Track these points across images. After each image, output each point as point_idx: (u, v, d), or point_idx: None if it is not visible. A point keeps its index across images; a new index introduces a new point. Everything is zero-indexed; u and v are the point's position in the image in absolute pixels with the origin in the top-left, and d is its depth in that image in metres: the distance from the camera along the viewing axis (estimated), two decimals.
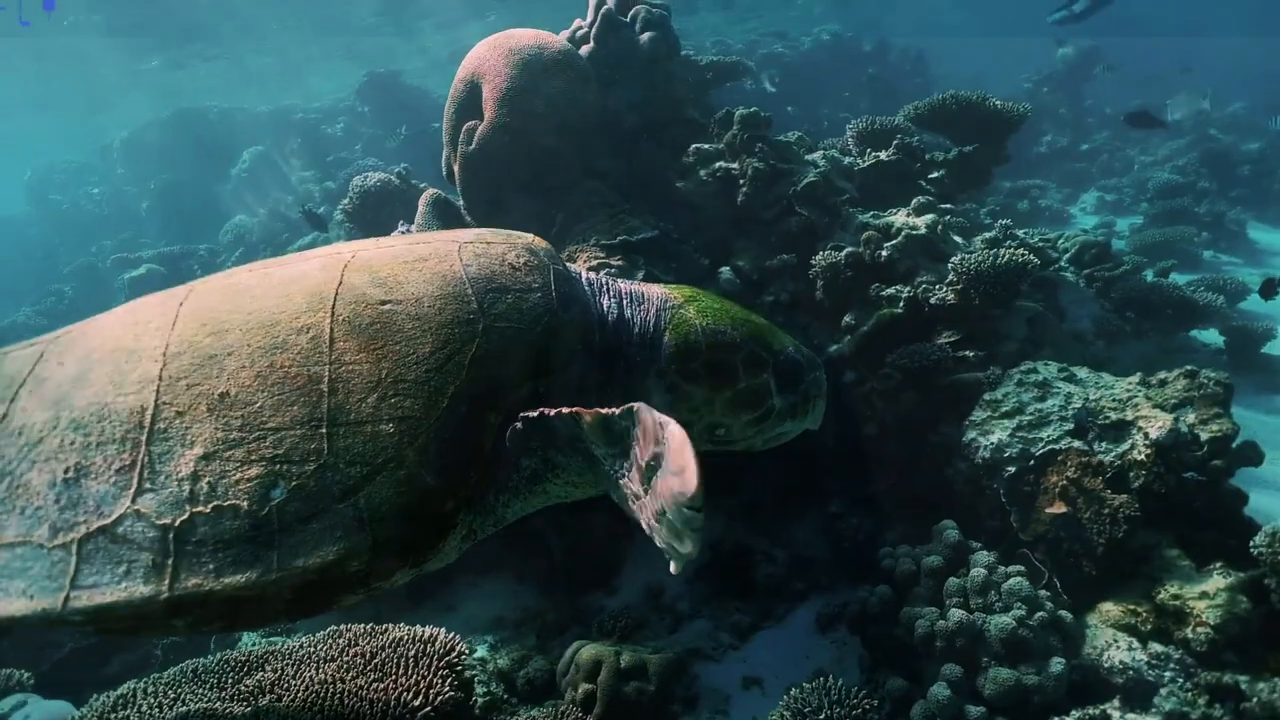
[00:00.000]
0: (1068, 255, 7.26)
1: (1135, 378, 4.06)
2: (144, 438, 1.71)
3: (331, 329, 1.84)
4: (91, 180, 17.50)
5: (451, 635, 3.25)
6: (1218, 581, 3.38)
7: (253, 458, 1.69)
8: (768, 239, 5.69)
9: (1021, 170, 14.53)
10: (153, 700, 3.04)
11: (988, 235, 5.20)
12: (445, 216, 4.26)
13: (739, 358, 2.18)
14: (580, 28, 4.93)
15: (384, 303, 1.90)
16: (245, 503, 1.66)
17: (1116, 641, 3.36)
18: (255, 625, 1.87)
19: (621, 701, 3.66)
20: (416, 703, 2.76)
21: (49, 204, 17.22)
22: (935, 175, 6.42)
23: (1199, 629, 3.27)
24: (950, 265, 4.80)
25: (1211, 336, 7.17)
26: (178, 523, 1.65)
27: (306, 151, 13.92)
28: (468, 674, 4.27)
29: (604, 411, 1.71)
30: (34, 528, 1.68)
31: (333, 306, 1.88)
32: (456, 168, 4.54)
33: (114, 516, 1.66)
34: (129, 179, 16.31)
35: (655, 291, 2.33)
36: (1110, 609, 3.56)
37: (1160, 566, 3.54)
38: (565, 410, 1.77)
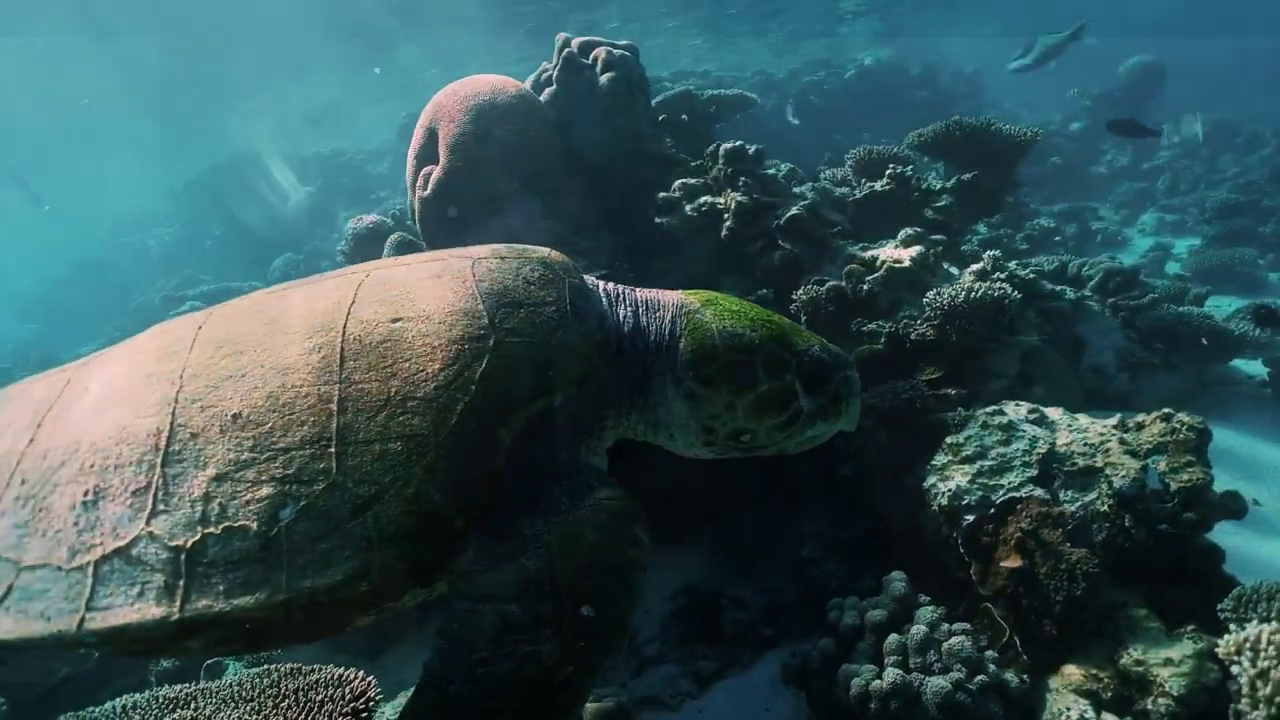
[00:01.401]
0: (1092, 283, 6.90)
1: (1113, 420, 3.78)
2: (159, 460, 1.72)
3: (342, 348, 1.82)
4: (161, 223, 18.69)
5: (365, 681, 3.22)
6: (1186, 647, 3.09)
7: (263, 478, 1.68)
8: (752, 274, 5.59)
9: (1079, 192, 13.94)
10: None
11: (975, 267, 4.97)
12: None
13: (758, 360, 2.08)
14: (545, 71, 4.99)
15: (395, 320, 1.87)
16: (255, 523, 1.65)
17: (1068, 710, 3.10)
18: (272, 646, 1.89)
19: None
20: None
21: (124, 246, 18.46)
22: (942, 204, 6.21)
23: (1160, 699, 2.99)
24: (925, 301, 4.60)
25: (1257, 368, 6.64)
26: (189, 544, 1.65)
27: (354, 191, 14.50)
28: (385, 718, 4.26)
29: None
30: (53, 550, 1.70)
31: (344, 325, 1.87)
32: (416, 212, 4.63)
33: (129, 538, 1.68)
34: (193, 220, 17.33)
35: (672, 298, 2.26)
36: (1073, 672, 3.29)
37: (1126, 627, 3.26)
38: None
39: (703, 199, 5.74)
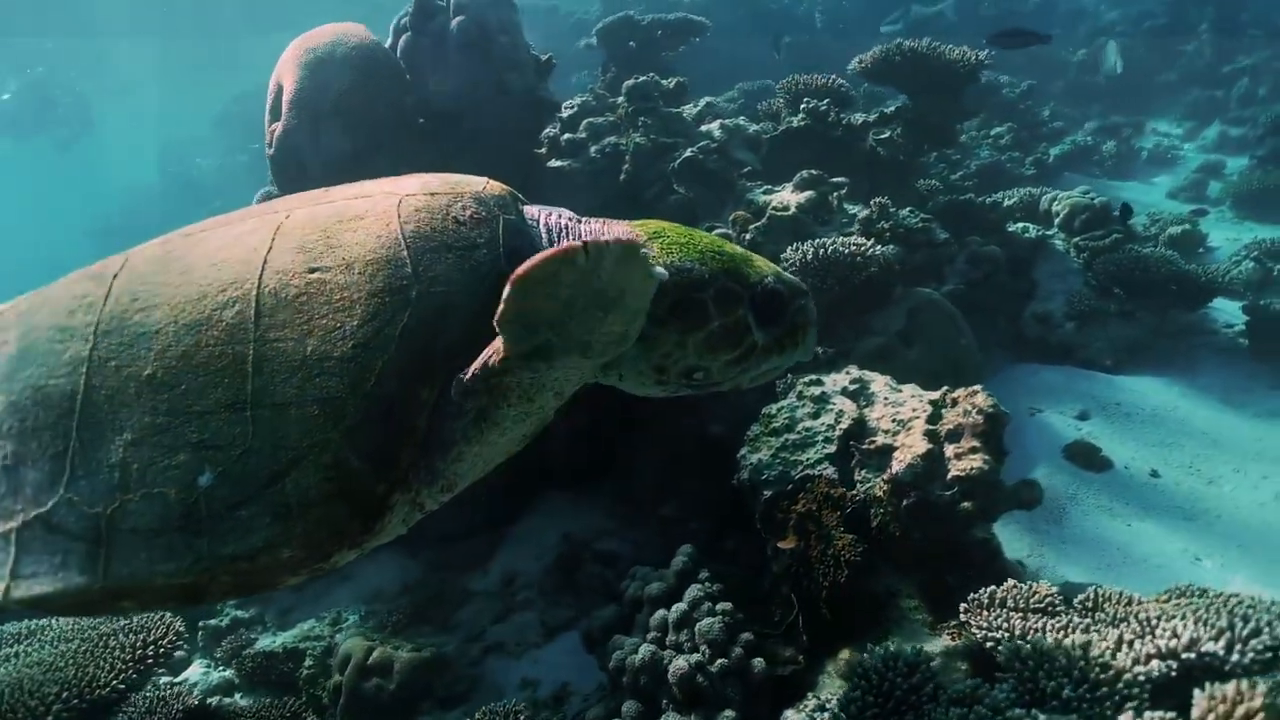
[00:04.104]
0: (1058, 220, 6.34)
1: (937, 393, 3.53)
2: (74, 424, 1.71)
3: (257, 302, 1.76)
4: (202, 151, 19.37)
5: (167, 628, 3.47)
6: (938, 644, 2.95)
7: (180, 443, 1.66)
8: None
9: (1142, 103, 12.60)
10: None
11: (862, 215, 4.62)
12: None
13: (709, 295, 1.99)
14: (405, 15, 4.80)
15: (312, 270, 1.78)
16: (173, 490, 1.64)
17: (817, 697, 3.04)
18: (205, 604, 1.93)
19: (360, 697, 3.78)
20: (64, 695, 3.02)
21: (170, 175, 19.29)
22: (885, 136, 5.78)
23: None
24: (782, 256, 4.35)
25: (1237, 314, 5.99)
26: (109, 511, 1.65)
27: None
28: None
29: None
30: None
31: (260, 277, 1.78)
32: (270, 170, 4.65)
33: (49, 505, 1.68)
34: (231, 149, 17.84)
35: (618, 231, 2.19)
36: (845, 657, 3.21)
37: (894, 617, 3.14)
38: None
39: (607, 140, 5.52)
